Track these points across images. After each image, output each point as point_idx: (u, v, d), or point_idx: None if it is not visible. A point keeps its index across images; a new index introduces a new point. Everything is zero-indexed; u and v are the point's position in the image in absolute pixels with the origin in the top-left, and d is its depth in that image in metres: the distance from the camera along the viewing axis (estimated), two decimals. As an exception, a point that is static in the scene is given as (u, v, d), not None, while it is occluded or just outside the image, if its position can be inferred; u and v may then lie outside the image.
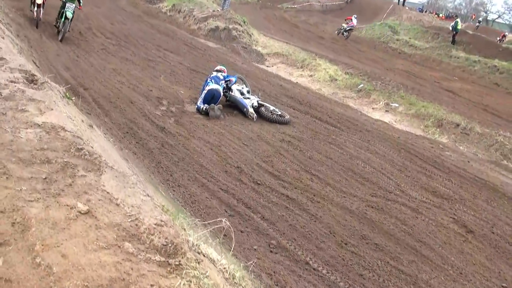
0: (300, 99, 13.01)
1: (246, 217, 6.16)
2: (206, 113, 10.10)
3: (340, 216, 6.71)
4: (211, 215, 5.84)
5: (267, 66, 19.28)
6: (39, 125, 3.51)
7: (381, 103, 16.13)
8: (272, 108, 10.87)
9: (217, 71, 11.26)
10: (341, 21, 40.15)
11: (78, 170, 3.00)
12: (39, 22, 14.94)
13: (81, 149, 3.24)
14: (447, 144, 12.83)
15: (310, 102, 12.86)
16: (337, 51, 25.56)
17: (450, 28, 28.68)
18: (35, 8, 14.67)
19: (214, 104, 10.27)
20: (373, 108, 15.82)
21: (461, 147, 12.93)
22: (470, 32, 33.19)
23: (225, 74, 11.17)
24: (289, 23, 32.59)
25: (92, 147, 3.37)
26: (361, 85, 17.41)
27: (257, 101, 10.88)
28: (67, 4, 13.91)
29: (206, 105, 10.21)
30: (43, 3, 14.75)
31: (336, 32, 31.87)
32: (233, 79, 11.33)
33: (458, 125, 14.47)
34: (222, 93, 10.66)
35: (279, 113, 10.77)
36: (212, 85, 10.49)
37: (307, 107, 12.32)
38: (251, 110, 10.50)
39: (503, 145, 13.28)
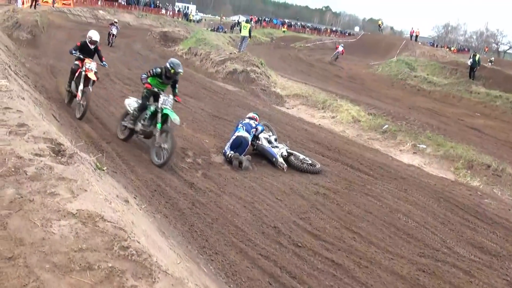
0: (327, 144, 12.53)
1: (293, 290, 5.57)
2: (230, 161, 9.68)
3: (391, 283, 6.08)
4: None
5: (287, 108, 18.90)
6: (74, 214, 3.01)
7: (408, 144, 15.54)
8: (302, 156, 10.38)
9: (250, 118, 10.92)
10: (353, 57, 40.49)
11: (126, 279, 2.47)
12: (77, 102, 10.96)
13: (127, 247, 2.72)
14: (483, 190, 12.14)
15: (338, 148, 12.36)
16: (356, 90, 25.23)
17: (469, 63, 28.23)
18: (81, 87, 10.78)
19: (241, 151, 9.81)
20: (400, 150, 15.23)
21: (495, 191, 12.25)
22: (487, 65, 32.69)
23: (257, 123, 10.77)
24: (305, 62, 32.51)
25: (138, 242, 2.85)
26: (386, 126, 16.89)
27: (286, 150, 10.41)
28: (161, 97, 9.21)
29: (232, 152, 9.81)
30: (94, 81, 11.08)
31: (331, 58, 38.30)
32: (260, 127, 10.92)
33: (489, 166, 13.82)
34: (250, 142, 10.23)
35: (310, 161, 10.26)
36: (241, 132, 10.18)
37: (336, 153, 11.81)
38: (280, 160, 10.01)
39: None
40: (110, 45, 26.87)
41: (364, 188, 9.48)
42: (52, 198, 3.19)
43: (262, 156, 10.35)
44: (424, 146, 15.35)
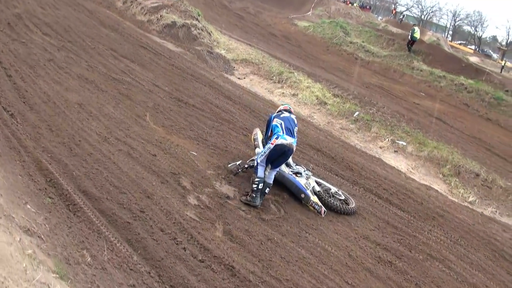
0: (328, 151, 10.02)
1: None
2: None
3: None
4: None
5: (239, 78, 15.86)
6: None
7: (386, 140, 13.60)
8: (333, 189, 7.70)
9: (286, 111, 7.45)
10: (271, 8, 38.05)
11: None
12: None
13: None
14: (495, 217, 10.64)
15: (344, 158, 9.88)
16: (298, 54, 22.81)
17: (409, 38, 26.77)
18: None
19: (278, 164, 7.04)
20: (381, 148, 13.31)
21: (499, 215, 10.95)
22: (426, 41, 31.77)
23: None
24: (232, 12, 28.97)
25: None
26: (357, 113, 14.76)
27: (314, 179, 7.66)
28: None
29: (261, 177, 6.85)
30: None
31: None
32: (257, 131, 8.05)
33: (477, 175, 12.53)
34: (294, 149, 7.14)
35: (343, 197, 7.65)
36: (283, 138, 6.82)
37: (347, 169, 9.37)
38: (314, 199, 7.22)
39: None
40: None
41: (418, 241, 7.23)
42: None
43: (279, 184, 7.48)
44: (404, 143, 13.55)
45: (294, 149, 6.99)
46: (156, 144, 7.70)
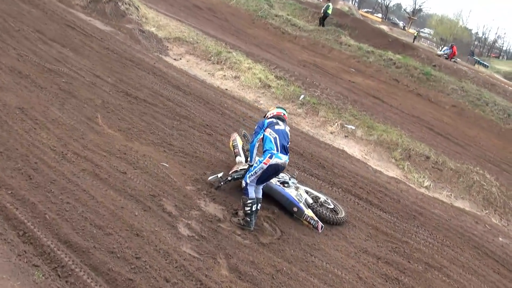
0: (295, 146, 9.37)
1: None
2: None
3: None
4: None
5: (175, 60, 14.70)
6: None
7: (336, 125, 13.31)
8: (322, 198, 7.09)
9: (279, 118, 6.54)
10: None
11: None
12: None
13: None
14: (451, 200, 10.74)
15: (313, 154, 9.32)
16: (229, 30, 21.71)
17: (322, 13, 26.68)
18: None
19: (267, 181, 6.33)
20: (331, 133, 13.03)
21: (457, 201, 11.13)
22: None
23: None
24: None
25: None
26: (302, 96, 14.30)
27: (304, 189, 6.98)
28: None
29: (253, 198, 6.02)
30: None
31: None
32: (235, 137, 7.23)
33: (427, 157, 12.71)
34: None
35: (332, 206, 7.07)
36: (278, 158, 5.99)
37: (319, 167, 8.85)
38: (309, 213, 6.55)
39: (481, 186, 12.04)
40: None
41: (411, 248, 7.00)
42: None
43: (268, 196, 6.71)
44: (353, 127, 13.35)
45: (286, 166, 6.26)
46: (121, 156, 6.60)
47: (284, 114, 6.57)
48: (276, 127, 6.22)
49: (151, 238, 4.99)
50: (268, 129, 6.18)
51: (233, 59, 15.39)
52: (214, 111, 9.98)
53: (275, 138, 6.06)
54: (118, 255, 4.56)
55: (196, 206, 6.02)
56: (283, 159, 6.03)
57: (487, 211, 11.06)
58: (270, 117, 6.46)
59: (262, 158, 5.96)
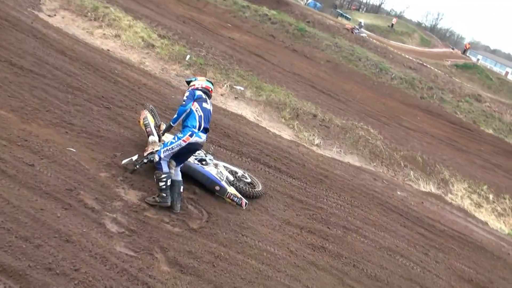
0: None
1: None
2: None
3: None
4: None
5: (49, 16, 13.25)
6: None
7: (225, 86, 13.25)
8: (240, 172, 7.01)
9: (204, 91, 6.15)
10: None
11: None
12: None
13: None
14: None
15: (216, 123, 9.12)
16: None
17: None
18: None
19: (183, 160, 6.04)
20: (222, 95, 12.94)
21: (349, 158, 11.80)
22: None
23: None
24: None
25: None
26: (188, 57, 13.95)
27: (223, 166, 6.83)
28: None
29: (167, 172, 5.72)
30: None
31: None
32: (146, 115, 6.80)
33: (314, 115, 13.35)
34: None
35: (249, 180, 7.05)
36: (198, 136, 5.74)
37: (224, 137, 8.75)
38: (232, 190, 6.42)
39: (366, 141, 13.07)
40: None
41: (326, 213, 7.34)
42: None
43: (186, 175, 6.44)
44: (242, 88, 13.42)
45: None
46: (22, 144, 5.82)
47: (211, 90, 6.26)
48: (204, 105, 5.92)
49: (82, 242, 4.52)
50: (196, 104, 5.85)
51: (112, 15, 14.35)
52: (106, 80, 9.23)
53: (200, 117, 5.78)
54: (57, 270, 4.05)
55: (117, 196, 5.59)
56: (202, 138, 5.81)
57: (374, 164, 11.91)
58: (200, 89, 6.09)
59: (182, 135, 5.66)
